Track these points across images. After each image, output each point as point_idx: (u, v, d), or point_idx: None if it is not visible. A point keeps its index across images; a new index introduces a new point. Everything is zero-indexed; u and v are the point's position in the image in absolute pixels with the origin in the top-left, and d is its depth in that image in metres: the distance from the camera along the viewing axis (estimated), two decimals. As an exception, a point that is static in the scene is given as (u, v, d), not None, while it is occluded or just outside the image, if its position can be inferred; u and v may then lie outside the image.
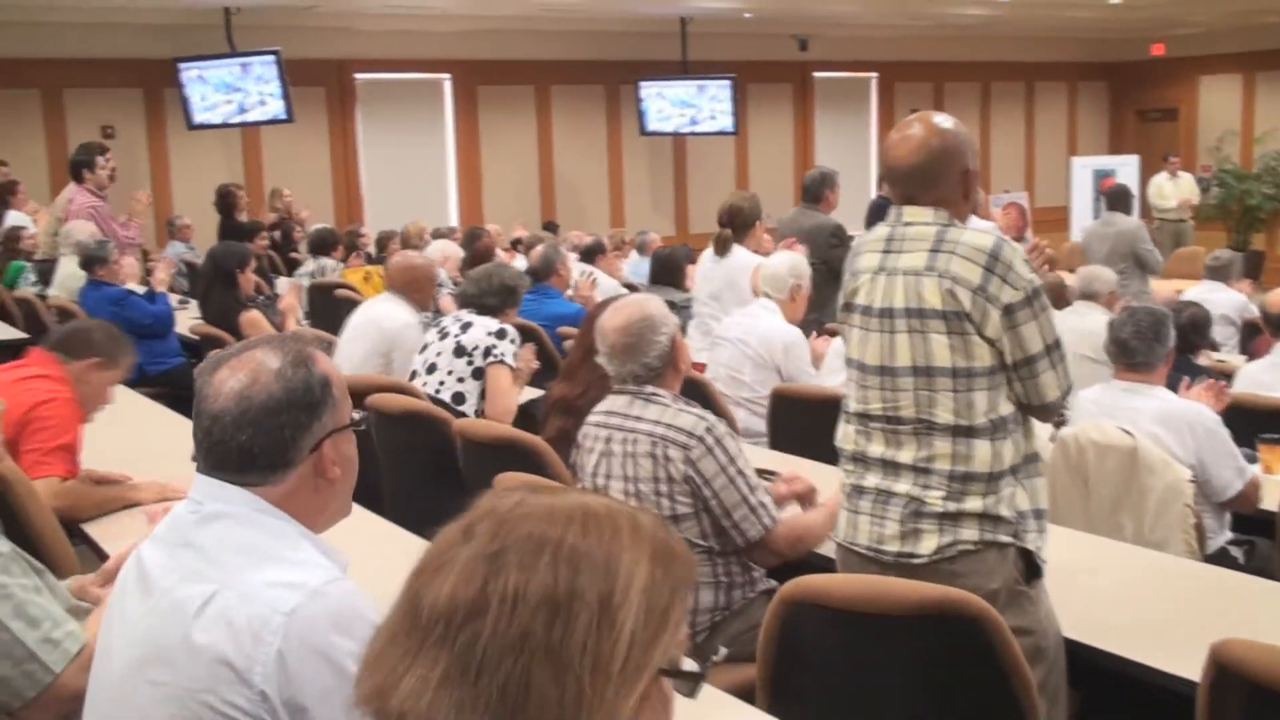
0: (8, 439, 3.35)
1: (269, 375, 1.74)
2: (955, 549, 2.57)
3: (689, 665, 1.11)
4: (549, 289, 6.67)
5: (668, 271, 7.07)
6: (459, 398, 4.69)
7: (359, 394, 4.30)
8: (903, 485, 2.63)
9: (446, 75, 14.43)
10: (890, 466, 2.65)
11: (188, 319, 7.24)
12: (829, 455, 3.15)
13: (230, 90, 12.48)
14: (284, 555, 1.69)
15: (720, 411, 3.51)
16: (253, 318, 6.13)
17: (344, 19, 13.00)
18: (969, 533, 2.56)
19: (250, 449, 1.72)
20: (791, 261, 5.21)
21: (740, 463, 3.07)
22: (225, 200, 10.85)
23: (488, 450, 3.75)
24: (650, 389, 3.15)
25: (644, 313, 3.17)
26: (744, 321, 5.16)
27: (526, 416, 4.50)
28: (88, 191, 8.14)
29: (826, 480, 3.37)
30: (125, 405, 4.36)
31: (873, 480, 2.68)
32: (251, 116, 12.61)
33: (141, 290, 7.14)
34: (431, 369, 4.78)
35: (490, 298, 4.93)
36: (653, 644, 1.06)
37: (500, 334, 4.79)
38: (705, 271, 6.24)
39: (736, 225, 6.12)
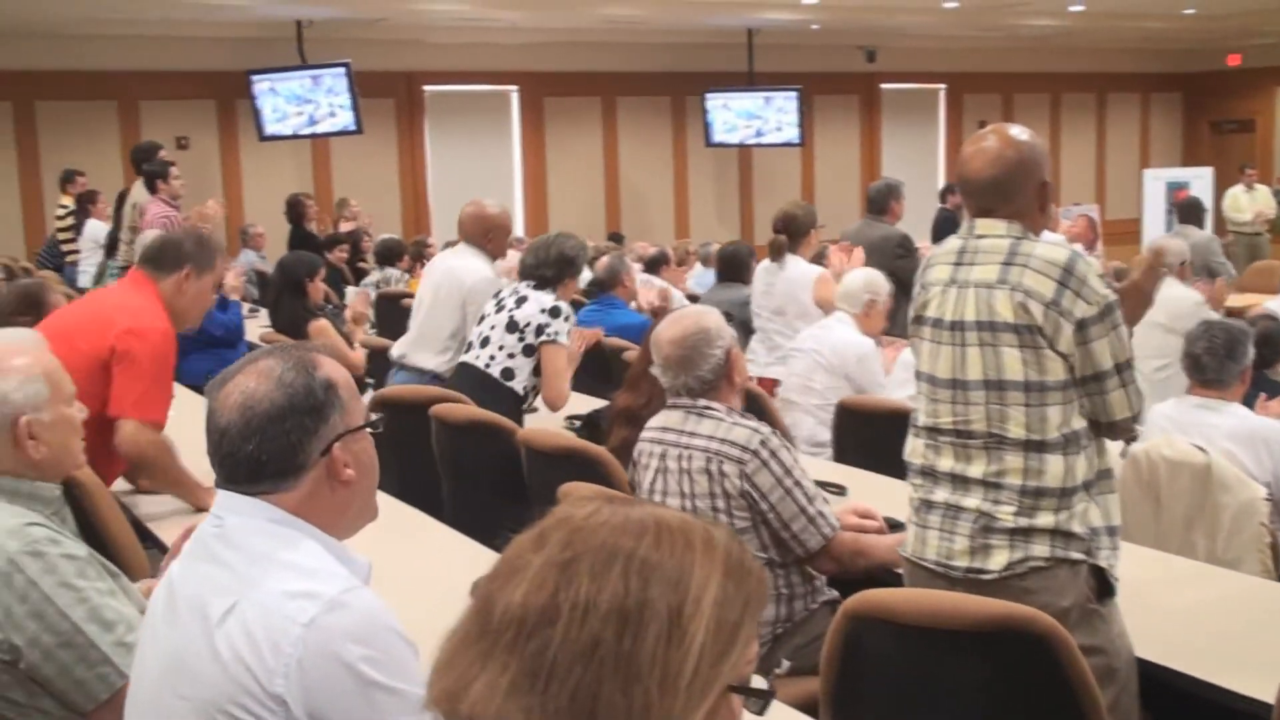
0: (100, 365, 3.36)
1: (270, 383, 1.75)
2: (1026, 565, 2.53)
3: (759, 683, 1.11)
4: (614, 299, 6.64)
5: (733, 268, 6.99)
6: (508, 373, 4.63)
7: (421, 406, 4.34)
8: (972, 500, 2.60)
9: (514, 87, 14.55)
10: (960, 481, 2.62)
11: (258, 327, 7.33)
12: (894, 469, 3.13)
13: (301, 102, 12.68)
14: (300, 564, 1.70)
15: (776, 425, 3.48)
16: (321, 326, 6.18)
17: (413, 32, 13.15)
18: (1040, 549, 2.53)
19: (258, 458, 1.73)
20: (866, 277, 5.25)
21: (796, 473, 3.05)
22: (294, 210, 11.00)
23: (552, 460, 3.76)
24: (704, 402, 3.13)
25: (700, 325, 3.14)
26: (818, 334, 5.21)
27: (593, 426, 4.50)
28: (161, 201, 8.30)
29: (892, 493, 3.35)
30: (193, 412, 4.40)
31: (942, 495, 2.65)
32: (321, 128, 12.80)
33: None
34: (485, 342, 4.70)
35: (547, 269, 4.75)
36: (722, 659, 1.05)
37: (554, 312, 4.65)
38: (764, 286, 6.19)
39: (791, 232, 6.11)
